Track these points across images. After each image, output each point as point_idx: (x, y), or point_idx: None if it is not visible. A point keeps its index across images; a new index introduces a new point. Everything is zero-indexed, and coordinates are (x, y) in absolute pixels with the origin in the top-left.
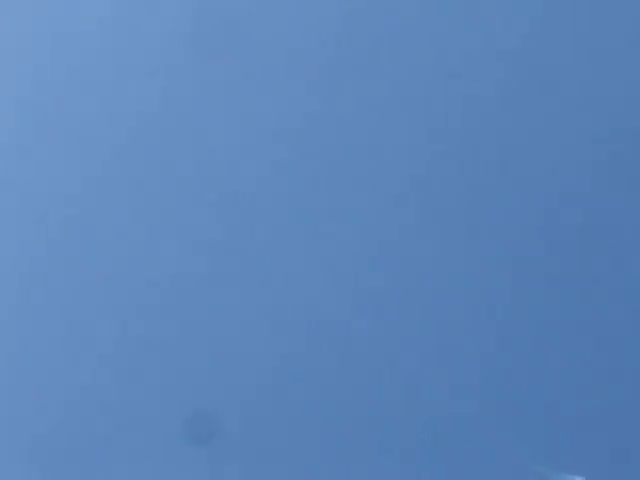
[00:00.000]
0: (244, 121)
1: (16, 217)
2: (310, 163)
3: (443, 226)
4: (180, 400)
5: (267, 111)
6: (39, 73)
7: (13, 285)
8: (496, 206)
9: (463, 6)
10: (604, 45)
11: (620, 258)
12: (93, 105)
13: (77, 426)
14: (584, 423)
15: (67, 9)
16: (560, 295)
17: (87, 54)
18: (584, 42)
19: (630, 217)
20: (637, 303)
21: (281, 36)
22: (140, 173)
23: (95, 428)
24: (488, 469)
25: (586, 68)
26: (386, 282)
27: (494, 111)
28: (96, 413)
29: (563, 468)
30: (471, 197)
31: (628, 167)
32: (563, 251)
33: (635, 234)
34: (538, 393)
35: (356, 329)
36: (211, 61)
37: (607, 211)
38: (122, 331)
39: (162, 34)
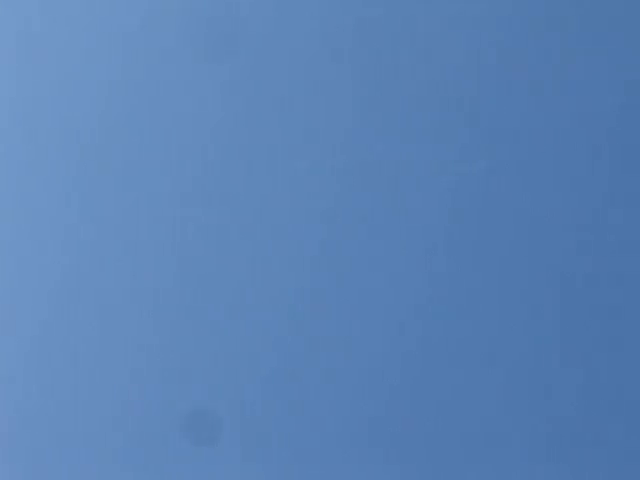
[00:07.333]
0: (245, 124)
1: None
2: (315, 164)
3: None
4: (179, 399)
5: (270, 114)
6: (37, 73)
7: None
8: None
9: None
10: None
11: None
12: (88, 106)
13: (74, 426)
14: (588, 426)
15: (64, 10)
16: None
17: (83, 55)
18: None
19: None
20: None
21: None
22: (138, 173)
23: (93, 428)
24: (490, 470)
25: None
26: (385, 282)
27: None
28: (93, 412)
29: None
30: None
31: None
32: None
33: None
34: (542, 396)
35: (357, 329)
36: (211, 62)
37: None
38: (121, 330)
39: (160, 35)
